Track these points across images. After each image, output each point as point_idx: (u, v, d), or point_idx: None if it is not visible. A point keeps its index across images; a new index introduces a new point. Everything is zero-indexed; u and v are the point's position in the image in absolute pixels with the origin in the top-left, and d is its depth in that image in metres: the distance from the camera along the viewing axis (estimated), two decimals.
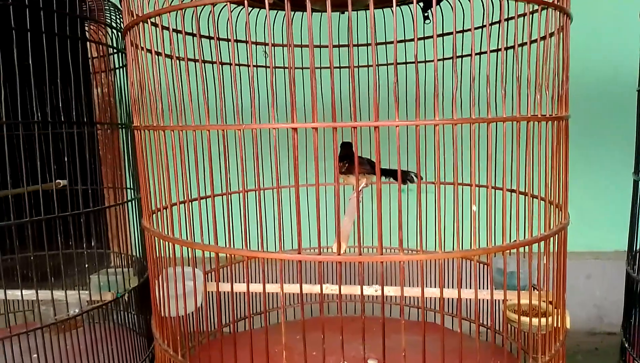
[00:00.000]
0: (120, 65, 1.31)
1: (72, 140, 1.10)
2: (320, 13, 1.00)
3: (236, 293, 0.88)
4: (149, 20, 0.70)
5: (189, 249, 0.71)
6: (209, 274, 1.02)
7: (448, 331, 1.05)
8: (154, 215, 0.79)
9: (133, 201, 1.32)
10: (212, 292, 0.99)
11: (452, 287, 0.73)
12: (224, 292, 1.10)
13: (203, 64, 0.65)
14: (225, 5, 0.62)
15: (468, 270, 1.17)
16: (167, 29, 0.75)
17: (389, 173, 0.99)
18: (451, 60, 0.62)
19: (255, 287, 0.82)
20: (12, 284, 1.10)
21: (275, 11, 1.12)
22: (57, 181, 1.17)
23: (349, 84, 0.64)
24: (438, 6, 0.90)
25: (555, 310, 0.80)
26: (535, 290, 0.81)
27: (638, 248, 1.18)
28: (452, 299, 1.18)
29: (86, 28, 1.27)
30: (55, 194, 1.07)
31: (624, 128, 1.42)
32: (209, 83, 0.67)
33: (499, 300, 0.93)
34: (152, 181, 0.77)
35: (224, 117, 0.66)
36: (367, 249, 1.31)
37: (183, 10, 0.64)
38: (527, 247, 0.69)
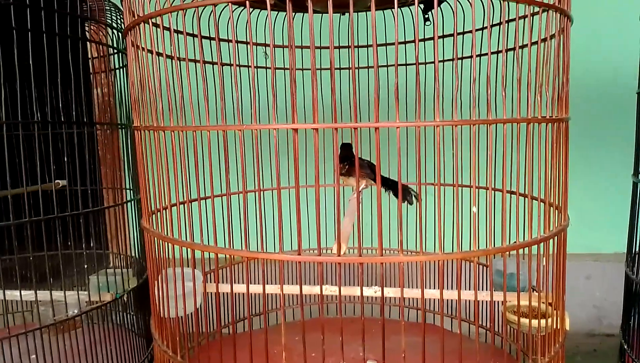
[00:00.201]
0: (121, 65, 1.31)
1: (72, 140, 1.10)
2: (321, 14, 1.01)
3: (236, 294, 0.87)
4: (150, 20, 0.70)
5: (189, 250, 0.71)
6: (209, 275, 1.02)
7: (448, 332, 1.05)
8: (154, 216, 0.79)
9: (132, 202, 1.32)
10: (211, 293, 0.99)
11: (452, 288, 0.73)
12: (224, 293, 1.10)
13: (204, 65, 0.65)
14: (226, 6, 0.62)
15: (468, 271, 1.17)
16: (168, 29, 0.75)
17: (390, 185, 0.97)
18: (452, 61, 0.62)
19: (255, 288, 0.82)
20: (11, 284, 1.10)
21: (276, 12, 1.12)
22: (57, 181, 1.17)
23: (349, 85, 0.64)
24: (439, 8, 0.90)
25: (555, 311, 0.80)
26: (535, 291, 0.81)
27: (637, 249, 1.17)
28: (452, 300, 1.18)
29: (86, 28, 1.27)
30: (55, 195, 1.07)
31: (623, 130, 1.42)
32: (210, 84, 0.67)
33: (498, 302, 0.93)
34: (152, 182, 0.77)
35: (224, 117, 0.66)
36: (367, 250, 1.31)
37: (184, 10, 0.64)
38: (526, 249, 0.69)
